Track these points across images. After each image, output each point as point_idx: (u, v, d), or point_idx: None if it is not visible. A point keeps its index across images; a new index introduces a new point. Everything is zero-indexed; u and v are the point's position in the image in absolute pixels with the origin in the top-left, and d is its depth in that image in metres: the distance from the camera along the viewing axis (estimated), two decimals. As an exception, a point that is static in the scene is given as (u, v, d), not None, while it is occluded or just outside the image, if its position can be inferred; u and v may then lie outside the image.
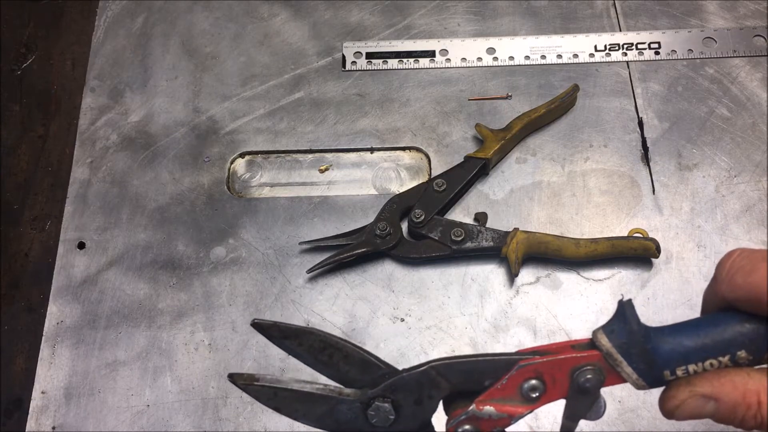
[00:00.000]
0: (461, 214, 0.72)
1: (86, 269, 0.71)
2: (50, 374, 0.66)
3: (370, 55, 0.82)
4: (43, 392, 0.66)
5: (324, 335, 0.43)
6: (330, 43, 0.83)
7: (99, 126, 0.79)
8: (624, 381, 0.41)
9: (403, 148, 0.77)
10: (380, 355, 0.44)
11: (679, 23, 0.82)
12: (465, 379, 0.43)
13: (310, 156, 0.77)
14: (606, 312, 0.67)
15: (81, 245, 0.72)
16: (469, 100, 0.79)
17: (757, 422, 0.39)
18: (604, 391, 0.43)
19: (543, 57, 0.81)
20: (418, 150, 0.77)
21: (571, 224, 0.71)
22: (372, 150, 0.77)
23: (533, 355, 0.42)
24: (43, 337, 0.68)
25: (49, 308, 0.69)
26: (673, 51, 0.80)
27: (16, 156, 0.79)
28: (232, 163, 0.77)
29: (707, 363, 0.40)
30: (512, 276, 0.68)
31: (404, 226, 0.72)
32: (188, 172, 0.76)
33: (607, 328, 0.41)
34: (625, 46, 0.81)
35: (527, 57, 0.81)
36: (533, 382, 0.42)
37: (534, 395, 0.42)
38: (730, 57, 0.79)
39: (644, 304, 0.67)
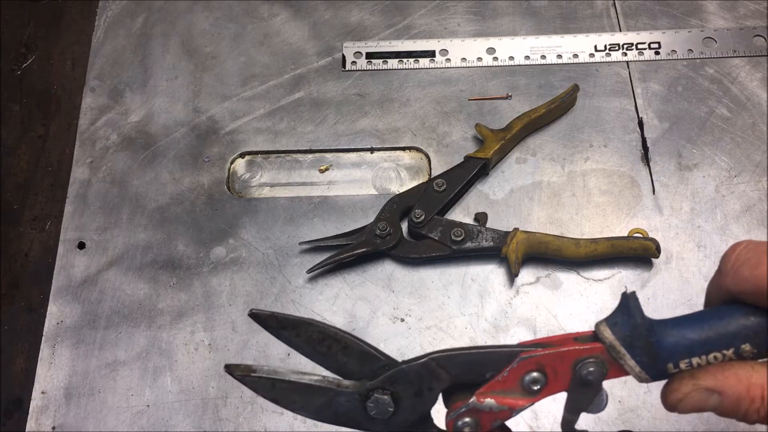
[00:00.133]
0: (461, 214, 0.72)
1: (86, 269, 0.71)
2: (50, 374, 0.66)
3: (370, 55, 0.82)
4: (43, 392, 0.66)
5: (322, 326, 0.43)
6: (330, 43, 0.83)
7: (99, 126, 0.79)
8: (627, 374, 0.41)
9: (403, 148, 0.77)
10: (380, 354, 0.44)
11: (679, 23, 0.82)
12: (466, 371, 0.43)
13: (310, 156, 0.77)
14: (606, 312, 0.66)
15: (81, 245, 0.72)
16: (469, 100, 0.79)
17: (761, 416, 0.39)
18: (603, 383, 0.42)
19: (543, 57, 0.81)
20: (418, 150, 0.77)
21: (571, 224, 0.71)
22: (372, 150, 0.77)
23: (535, 347, 0.42)
24: (43, 337, 0.68)
25: (49, 308, 0.69)
26: (673, 51, 0.80)
27: (16, 156, 0.79)
28: (232, 163, 0.77)
29: (711, 356, 0.40)
30: (512, 276, 0.68)
31: (404, 226, 0.72)
32: (188, 172, 0.76)
33: (610, 321, 0.41)
34: (625, 46, 0.81)
35: (527, 57, 0.81)
36: (535, 374, 0.42)
37: (535, 388, 0.42)
38: (730, 57, 0.79)
39: (644, 304, 0.65)
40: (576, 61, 0.80)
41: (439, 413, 0.44)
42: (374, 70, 0.81)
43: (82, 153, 0.77)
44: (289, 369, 0.43)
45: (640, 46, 0.80)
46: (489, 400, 0.42)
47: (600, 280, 0.69)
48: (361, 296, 0.69)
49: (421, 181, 0.74)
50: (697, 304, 0.45)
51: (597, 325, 0.42)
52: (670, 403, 0.41)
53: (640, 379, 0.41)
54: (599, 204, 0.72)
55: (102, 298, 0.69)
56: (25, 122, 0.81)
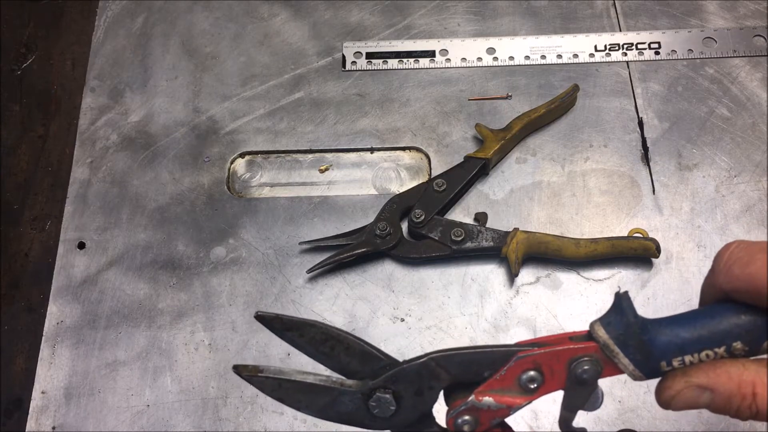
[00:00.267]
0: (461, 214, 0.72)
1: (86, 269, 0.71)
2: (50, 374, 0.66)
3: (370, 55, 0.82)
4: (43, 392, 0.66)
5: (325, 327, 0.44)
6: (330, 43, 0.83)
7: (99, 126, 0.79)
8: (621, 372, 0.42)
9: (403, 148, 0.77)
10: (381, 354, 0.44)
11: (679, 23, 0.82)
12: (464, 371, 0.43)
13: (310, 156, 0.77)
14: (606, 312, 0.67)
15: (81, 245, 0.72)
16: (469, 100, 0.79)
17: (752, 413, 0.39)
18: (602, 383, 0.43)
19: (543, 57, 0.81)
20: (418, 150, 0.77)
21: (571, 224, 0.71)
22: (372, 150, 0.77)
23: (532, 346, 0.43)
24: (43, 337, 0.68)
25: (49, 308, 0.69)
26: (673, 51, 0.80)
27: (16, 156, 0.79)
28: (232, 163, 0.77)
29: (703, 354, 0.40)
30: (512, 276, 0.68)
31: (404, 226, 0.72)
32: (188, 172, 0.76)
33: (604, 320, 0.42)
34: (625, 46, 0.81)
35: (527, 57, 0.81)
36: (531, 373, 0.42)
37: (532, 386, 0.42)
38: (730, 57, 0.80)
39: (644, 304, 0.67)
40: (576, 61, 0.80)
41: (440, 411, 0.45)
42: (374, 70, 0.81)
43: (82, 153, 0.77)
44: (293, 369, 0.44)
45: (640, 46, 0.80)
46: (487, 399, 0.43)
47: (600, 280, 0.69)
48: (361, 296, 0.69)
49: (421, 181, 0.74)
50: (697, 304, 0.46)
51: (591, 324, 0.42)
52: (663, 400, 0.42)
53: (635, 377, 0.41)
54: (599, 204, 0.72)
55: (102, 298, 0.70)
56: (25, 122, 0.81)
